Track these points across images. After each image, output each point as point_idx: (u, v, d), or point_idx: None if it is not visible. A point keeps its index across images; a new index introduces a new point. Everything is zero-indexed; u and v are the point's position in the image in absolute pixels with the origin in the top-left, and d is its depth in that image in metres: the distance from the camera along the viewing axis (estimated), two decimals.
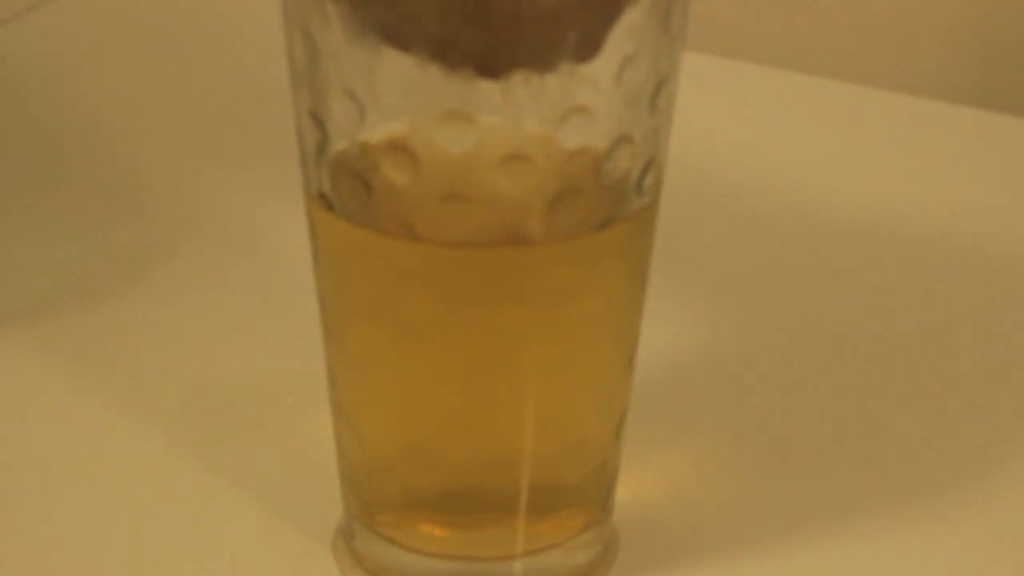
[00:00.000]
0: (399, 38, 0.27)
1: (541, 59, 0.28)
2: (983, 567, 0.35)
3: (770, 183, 0.51)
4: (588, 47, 0.28)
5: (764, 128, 0.55)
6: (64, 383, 0.40)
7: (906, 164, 0.53)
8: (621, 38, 0.28)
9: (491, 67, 0.27)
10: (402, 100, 0.28)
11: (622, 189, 0.30)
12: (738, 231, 0.48)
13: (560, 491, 0.32)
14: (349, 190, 0.29)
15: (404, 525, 0.33)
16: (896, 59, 0.68)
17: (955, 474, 0.38)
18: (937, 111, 0.57)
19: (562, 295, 0.30)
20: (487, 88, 0.28)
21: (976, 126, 0.56)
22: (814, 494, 0.37)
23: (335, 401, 0.33)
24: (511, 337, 0.30)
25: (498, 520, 0.32)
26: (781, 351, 0.42)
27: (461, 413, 0.31)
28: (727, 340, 0.43)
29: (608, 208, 0.30)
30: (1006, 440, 0.39)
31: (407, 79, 0.28)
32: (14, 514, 0.36)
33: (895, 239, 0.48)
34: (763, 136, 0.54)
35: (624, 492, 0.36)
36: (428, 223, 0.29)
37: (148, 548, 0.35)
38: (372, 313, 0.30)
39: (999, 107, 0.65)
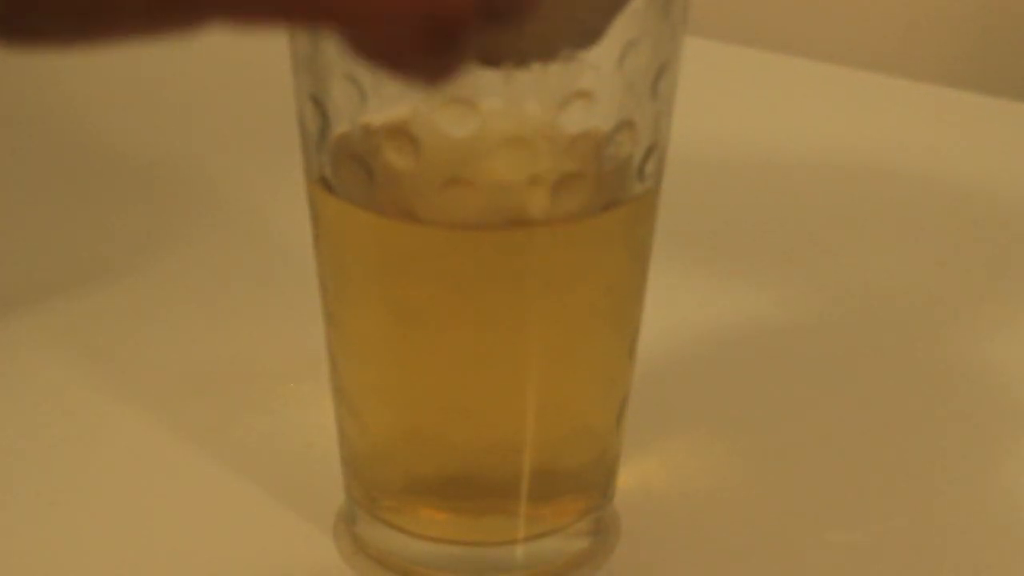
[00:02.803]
0: None
1: (542, 50, 0.28)
2: (984, 562, 0.35)
3: (772, 169, 0.51)
4: (589, 36, 0.28)
5: (766, 114, 0.55)
6: (66, 367, 0.40)
7: (908, 149, 0.53)
8: (623, 23, 0.28)
9: (493, 58, 0.27)
10: (403, 85, 0.28)
11: (623, 174, 0.30)
12: (740, 217, 0.48)
13: (561, 476, 0.33)
14: (350, 174, 0.29)
15: (405, 510, 0.33)
16: (898, 45, 0.67)
17: (959, 465, 0.38)
18: (939, 96, 0.57)
19: (563, 280, 0.30)
20: (489, 73, 0.28)
21: (978, 111, 0.55)
22: (815, 480, 0.37)
23: (337, 386, 0.33)
24: (512, 322, 0.30)
25: (499, 505, 0.32)
26: (783, 337, 0.42)
27: (462, 398, 0.31)
28: (729, 327, 0.43)
29: (609, 193, 0.30)
30: (1011, 434, 0.39)
31: None
32: (17, 496, 0.36)
33: (897, 225, 0.48)
34: (765, 122, 0.54)
35: (625, 478, 0.36)
36: (429, 207, 0.29)
37: (149, 532, 0.35)
38: (373, 297, 0.30)
39: (1001, 93, 0.65)
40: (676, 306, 0.43)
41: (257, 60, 0.58)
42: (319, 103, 0.29)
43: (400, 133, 0.28)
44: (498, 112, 0.28)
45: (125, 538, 0.35)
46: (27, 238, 0.46)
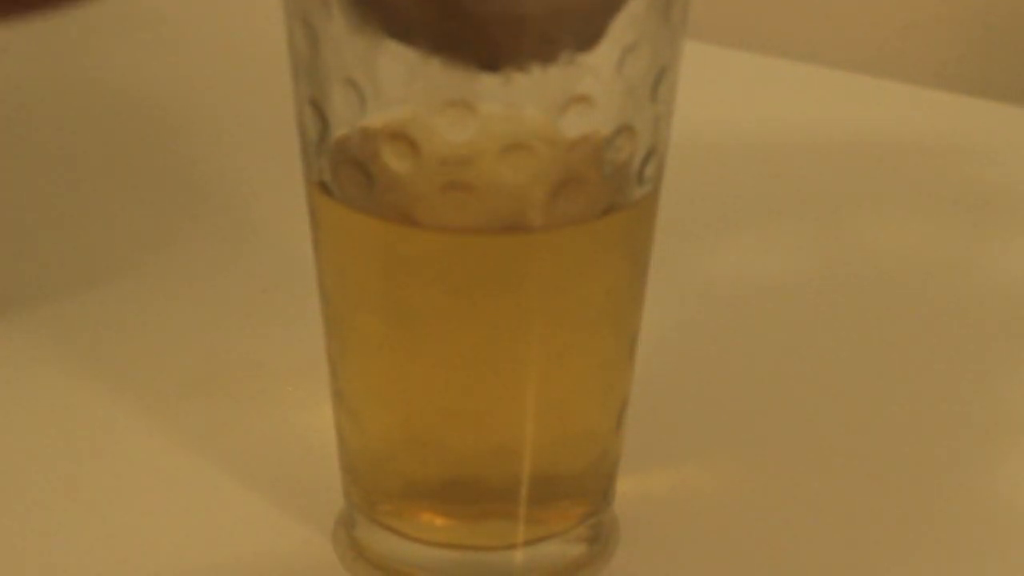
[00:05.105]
0: (401, 33, 0.27)
1: (542, 54, 0.28)
2: (985, 567, 0.35)
3: (771, 172, 0.51)
4: (588, 38, 0.28)
5: (765, 117, 0.55)
6: (63, 368, 0.40)
7: (907, 154, 0.53)
8: (622, 27, 0.28)
9: (492, 62, 0.27)
10: (403, 89, 0.28)
11: (623, 178, 0.30)
12: (739, 221, 0.48)
13: (561, 481, 0.32)
14: (350, 179, 0.29)
15: (405, 514, 0.33)
16: (897, 48, 0.68)
17: (959, 466, 0.38)
18: (938, 101, 0.57)
19: (563, 284, 0.30)
20: (488, 77, 0.28)
21: (978, 116, 0.56)
22: (816, 484, 0.37)
23: (336, 390, 0.33)
24: (512, 326, 0.30)
25: (499, 510, 0.32)
26: (783, 341, 0.42)
27: (462, 402, 0.31)
28: (729, 330, 0.43)
29: (609, 197, 0.30)
30: (1013, 437, 0.39)
31: (408, 68, 0.28)
32: (13, 498, 0.36)
33: (896, 229, 0.48)
34: (764, 125, 0.54)
35: (625, 482, 0.36)
36: (429, 212, 0.29)
37: (147, 537, 0.35)
38: (373, 301, 0.30)
39: (1001, 97, 0.65)
40: (676, 309, 0.43)
41: (257, 64, 0.58)
42: (318, 107, 0.29)
43: (399, 137, 0.28)
44: (497, 116, 0.28)
45: (122, 541, 0.35)
46: (26, 238, 0.46)
